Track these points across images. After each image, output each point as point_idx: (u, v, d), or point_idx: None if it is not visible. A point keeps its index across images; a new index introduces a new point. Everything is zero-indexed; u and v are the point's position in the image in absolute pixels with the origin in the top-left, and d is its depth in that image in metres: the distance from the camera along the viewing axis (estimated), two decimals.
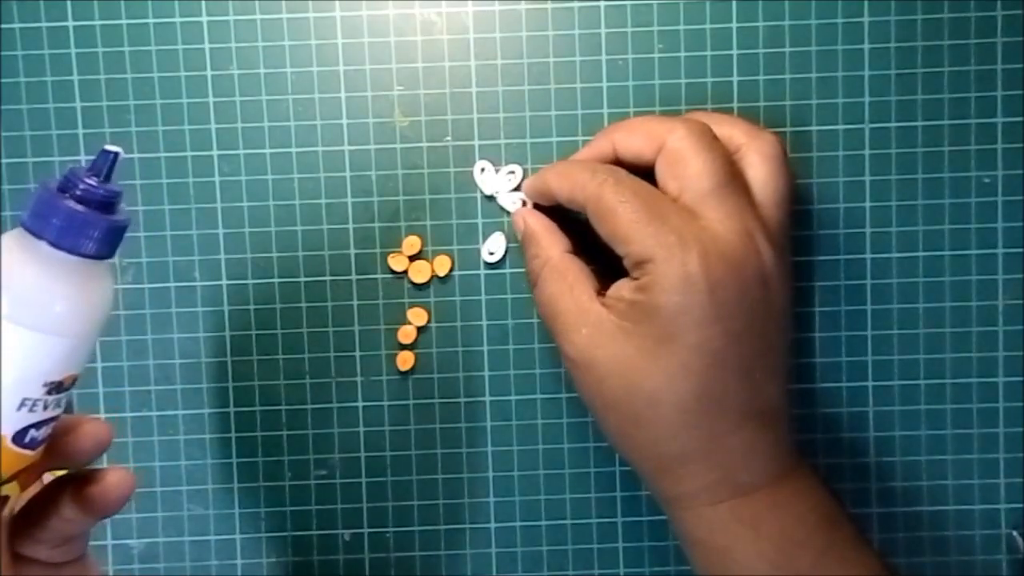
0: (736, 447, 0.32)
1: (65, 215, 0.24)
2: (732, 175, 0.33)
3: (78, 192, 0.25)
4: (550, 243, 0.36)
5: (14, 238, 0.24)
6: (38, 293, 0.24)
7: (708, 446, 0.32)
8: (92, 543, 0.40)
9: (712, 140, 0.33)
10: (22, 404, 0.24)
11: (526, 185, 0.38)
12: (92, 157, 0.38)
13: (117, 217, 0.25)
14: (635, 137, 0.35)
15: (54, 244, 0.24)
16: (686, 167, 0.33)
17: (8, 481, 0.25)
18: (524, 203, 0.38)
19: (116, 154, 0.25)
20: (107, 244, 0.25)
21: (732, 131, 0.35)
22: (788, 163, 0.35)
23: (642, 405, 0.32)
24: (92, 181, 0.25)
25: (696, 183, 0.32)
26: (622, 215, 0.32)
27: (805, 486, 0.34)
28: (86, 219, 0.24)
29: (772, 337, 0.33)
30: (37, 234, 0.24)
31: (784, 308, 0.33)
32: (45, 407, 0.25)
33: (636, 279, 0.33)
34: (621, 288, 0.33)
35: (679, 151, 0.33)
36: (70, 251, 0.24)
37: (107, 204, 0.25)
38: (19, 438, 0.24)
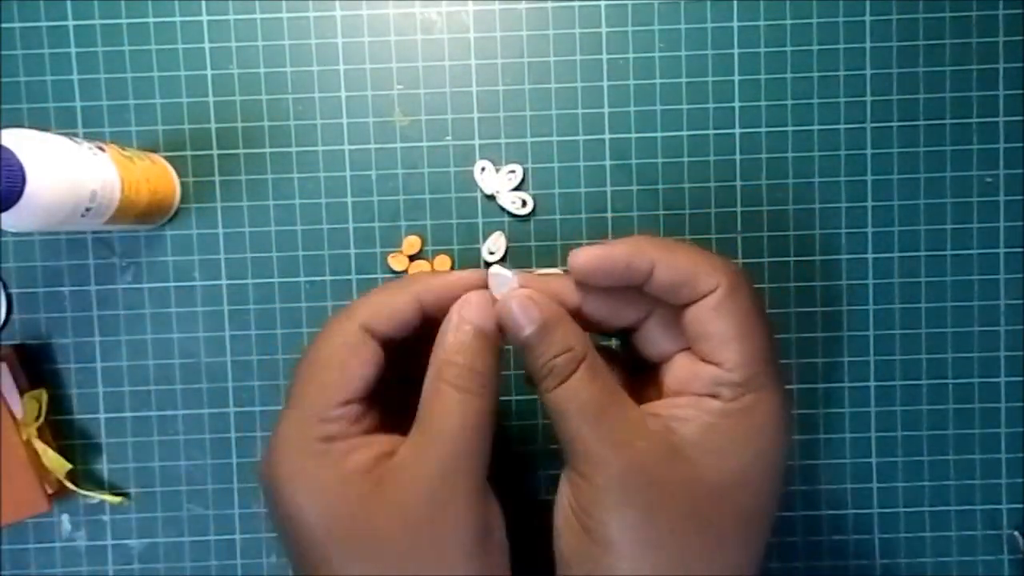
0: None
1: None
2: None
3: None
4: (580, 335, 0.31)
5: None
6: None
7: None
8: (91, 543, 0.40)
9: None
10: None
11: (585, 257, 0.30)
12: None
13: None
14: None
15: None
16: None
17: None
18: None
19: None
20: None
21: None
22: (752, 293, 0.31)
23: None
24: None
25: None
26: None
27: None
28: None
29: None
30: None
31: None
32: None
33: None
34: (689, 414, 0.30)
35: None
36: None
37: None
38: None
